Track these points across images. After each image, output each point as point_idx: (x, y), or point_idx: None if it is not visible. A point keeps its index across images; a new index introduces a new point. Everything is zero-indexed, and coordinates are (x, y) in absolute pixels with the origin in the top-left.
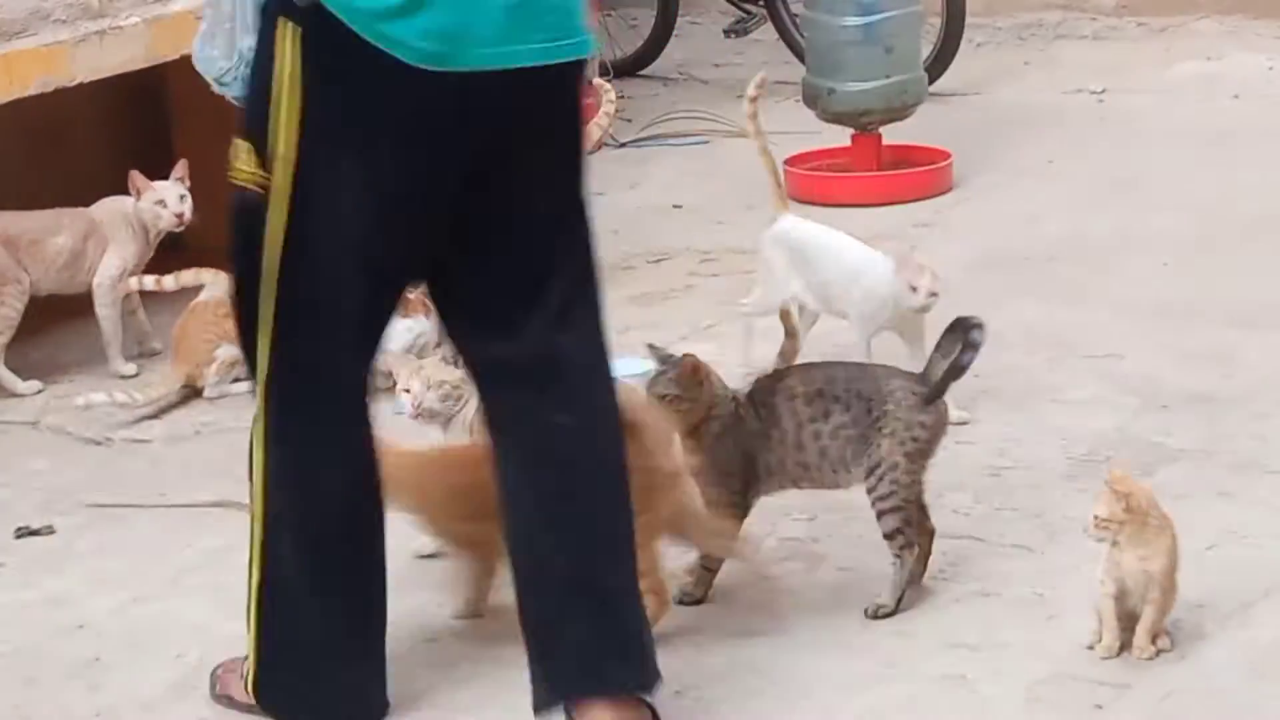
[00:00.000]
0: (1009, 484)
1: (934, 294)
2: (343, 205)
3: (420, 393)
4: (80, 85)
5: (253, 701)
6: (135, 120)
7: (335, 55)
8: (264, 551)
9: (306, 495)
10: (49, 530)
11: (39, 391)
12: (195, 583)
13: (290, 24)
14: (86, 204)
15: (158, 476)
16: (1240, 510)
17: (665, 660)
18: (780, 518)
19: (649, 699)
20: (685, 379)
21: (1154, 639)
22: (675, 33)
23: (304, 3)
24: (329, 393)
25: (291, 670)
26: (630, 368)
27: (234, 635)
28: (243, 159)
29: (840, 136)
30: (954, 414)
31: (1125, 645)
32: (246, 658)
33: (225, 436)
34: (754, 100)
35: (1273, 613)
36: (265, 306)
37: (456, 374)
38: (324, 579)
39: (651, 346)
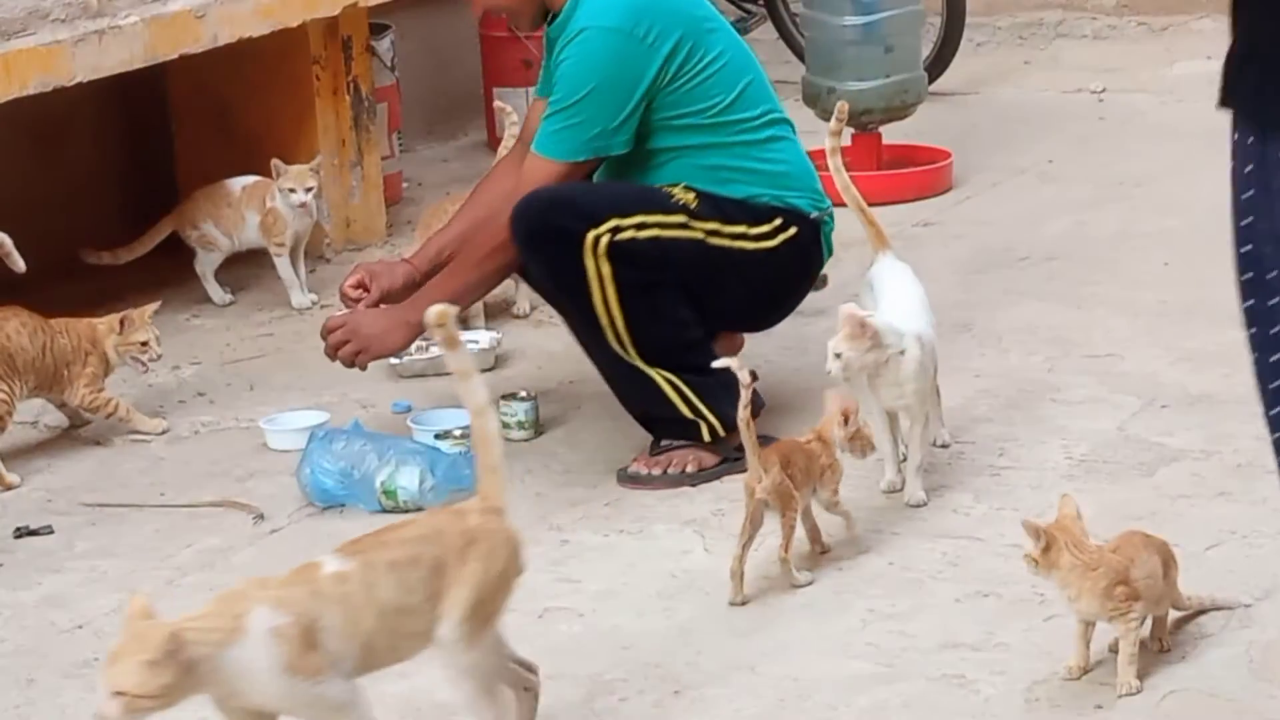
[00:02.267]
0: (1009, 484)
1: (837, 355)
2: None
3: None
4: (80, 85)
5: (724, 435)
6: (135, 120)
7: None
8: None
9: None
10: (49, 530)
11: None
12: (195, 583)
13: None
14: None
15: (158, 476)
16: (1240, 510)
17: (665, 661)
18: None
19: None
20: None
21: (1159, 640)
22: None
23: None
24: None
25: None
26: (462, 419)
27: None
28: None
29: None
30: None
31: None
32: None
33: (225, 436)
34: (836, 134)
35: (1273, 613)
36: None
37: None
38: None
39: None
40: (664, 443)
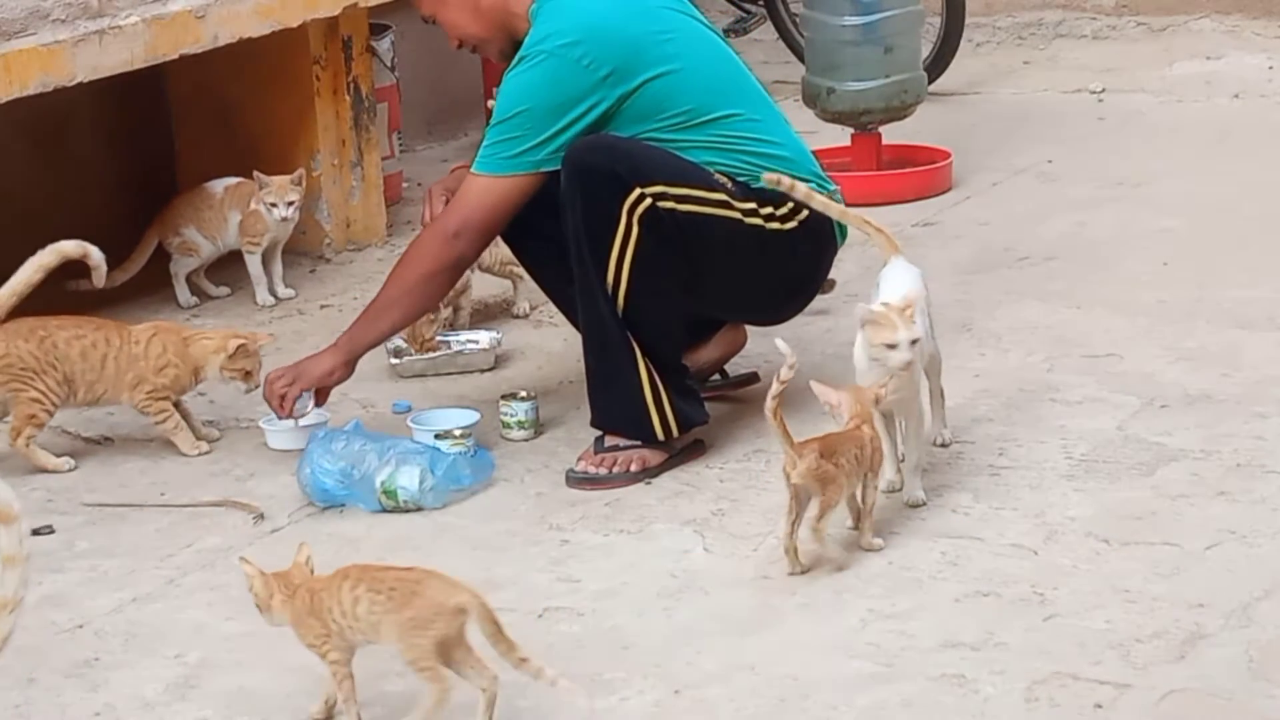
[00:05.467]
0: (1009, 484)
1: (915, 340)
2: None
3: None
4: (80, 85)
5: (675, 435)
6: (135, 120)
7: None
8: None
9: None
10: (49, 530)
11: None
12: (195, 583)
13: None
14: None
15: (158, 476)
16: (1240, 510)
17: (665, 661)
18: (780, 517)
19: None
20: None
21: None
22: None
23: None
24: None
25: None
26: (462, 419)
27: (234, 634)
28: None
29: (840, 136)
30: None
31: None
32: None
33: (225, 436)
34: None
35: (1273, 613)
36: None
37: None
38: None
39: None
40: (609, 442)
